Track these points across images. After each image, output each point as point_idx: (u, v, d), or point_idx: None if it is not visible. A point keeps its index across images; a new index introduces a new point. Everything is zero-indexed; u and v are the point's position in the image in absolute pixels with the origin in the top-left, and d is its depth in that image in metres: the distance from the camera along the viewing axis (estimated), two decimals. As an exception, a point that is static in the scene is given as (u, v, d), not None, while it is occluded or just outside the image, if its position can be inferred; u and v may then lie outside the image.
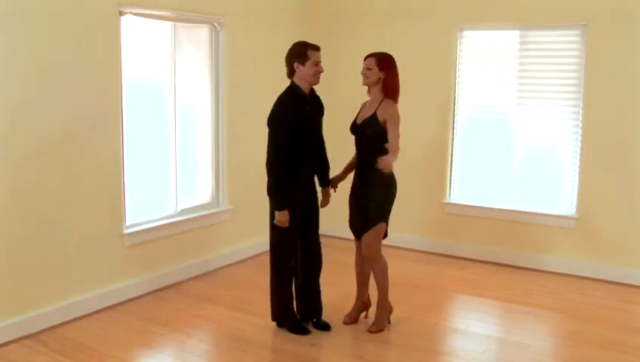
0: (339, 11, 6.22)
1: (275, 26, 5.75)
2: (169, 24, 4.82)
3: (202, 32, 5.17)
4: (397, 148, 3.80)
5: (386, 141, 3.82)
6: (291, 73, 3.85)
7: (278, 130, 3.78)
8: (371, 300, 4.19)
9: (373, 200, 3.91)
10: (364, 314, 4.21)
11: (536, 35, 5.35)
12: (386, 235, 4.01)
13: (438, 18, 5.68)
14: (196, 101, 5.20)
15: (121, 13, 4.34)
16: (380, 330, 4.03)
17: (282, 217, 3.81)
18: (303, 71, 3.80)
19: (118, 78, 4.38)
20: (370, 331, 4.03)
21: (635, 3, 4.86)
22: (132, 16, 4.42)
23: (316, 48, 3.84)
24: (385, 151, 3.80)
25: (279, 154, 3.78)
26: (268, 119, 3.83)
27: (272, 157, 3.80)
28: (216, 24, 5.17)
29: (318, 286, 4.13)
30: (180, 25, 4.90)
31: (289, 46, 3.89)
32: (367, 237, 3.94)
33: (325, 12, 6.29)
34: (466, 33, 5.65)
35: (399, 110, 3.89)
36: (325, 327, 4.09)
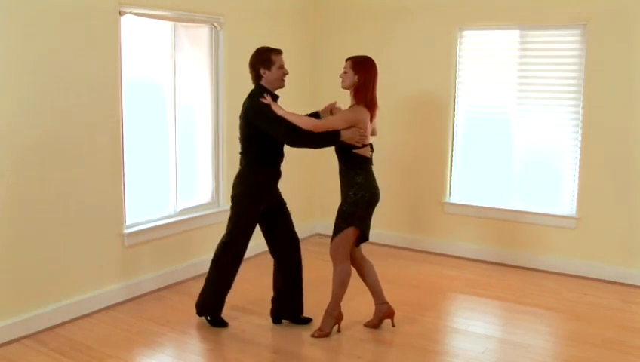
0: (339, 11, 6.22)
1: (275, 26, 5.75)
2: (169, 24, 4.82)
3: (202, 32, 5.17)
4: (323, 125, 3.74)
5: (346, 148, 3.78)
6: (258, 78, 3.91)
7: (273, 117, 3.78)
8: (393, 308, 4.10)
9: (341, 205, 3.90)
10: (390, 321, 4.09)
11: (536, 35, 5.35)
12: (365, 239, 3.94)
13: (438, 18, 5.67)
14: (196, 101, 5.20)
15: (121, 13, 4.34)
16: (322, 335, 3.95)
17: (348, 134, 3.74)
18: (269, 76, 3.87)
19: (118, 78, 4.38)
20: (312, 336, 3.96)
21: (635, 3, 4.86)
22: (132, 16, 4.42)
23: (279, 52, 3.92)
24: (347, 158, 3.81)
25: (293, 130, 3.77)
26: (253, 113, 3.83)
27: (291, 135, 3.78)
28: (216, 24, 5.17)
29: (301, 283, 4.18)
30: (180, 25, 4.90)
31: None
32: (334, 240, 3.90)
33: (325, 12, 6.29)
34: (466, 33, 5.65)
35: (374, 116, 3.81)
36: (307, 321, 4.17)
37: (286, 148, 3.97)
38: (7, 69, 3.70)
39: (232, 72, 5.34)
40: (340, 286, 3.91)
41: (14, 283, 3.86)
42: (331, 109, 4.05)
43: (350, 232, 3.84)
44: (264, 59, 3.86)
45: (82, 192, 4.20)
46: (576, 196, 5.25)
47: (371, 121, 3.85)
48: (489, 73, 5.59)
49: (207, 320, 4.16)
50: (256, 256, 5.70)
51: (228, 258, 4.06)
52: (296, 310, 4.17)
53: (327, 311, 3.97)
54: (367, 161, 3.87)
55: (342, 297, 3.94)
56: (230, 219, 4.05)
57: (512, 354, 3.81)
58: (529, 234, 5.45)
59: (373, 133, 3.96)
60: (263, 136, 3.87)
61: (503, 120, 5.55)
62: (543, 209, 5.41)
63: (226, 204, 5.42)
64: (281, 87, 3.95)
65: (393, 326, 4.10)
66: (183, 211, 5.08)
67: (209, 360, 3.75)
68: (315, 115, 4.11)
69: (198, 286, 4.89)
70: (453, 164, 5.81)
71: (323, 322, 3.98)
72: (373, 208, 3.91)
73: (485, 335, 4.08)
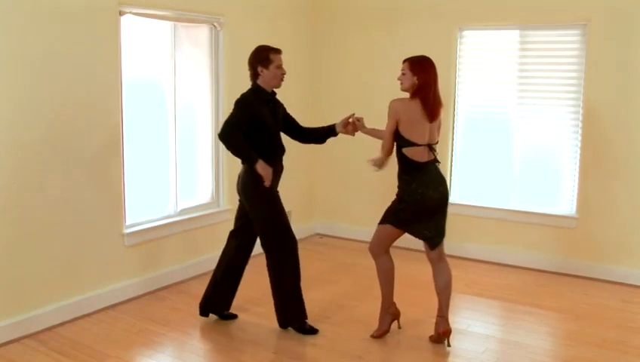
0: (339, 11, 6.22)
1: (275, 26, 5.75)
2: (169, 24, 4.82)
3: (202, 32, 5.17)
4: (384, 146, 3.73)
5: (400, 144, 3.73)
6: (255, 76, 3.91)
7: (240, 114, 3.82)
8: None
9: (394, 201, 3.86)
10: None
11: (536, 35, 5.35)
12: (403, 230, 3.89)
13: (438, 18, 5.68)
14: (196, 101, 5.20)
15: (121, 13, 4.34)
16: (380, 334, 3.97)
17: (263, 170, 3.77)
18: (267, 74, 3.87)
19: (118, 78, 4.39)
20: (372, 336, 3.97)
21: (635, 3, 4.86)
22: (132, 16, 4.43)
23: (278, 52, 3.91)
24: (399, 158, 3.77)
25: (232, 130, 3.79)
26: (236, 102, 3.87)
27: (226, 129, 3.80)
28: (216, 24, 5.17)
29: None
30: (179, 25, 4.90)
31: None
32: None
33: (325, 12, 6.29)
34: (466, 33, 5.65)
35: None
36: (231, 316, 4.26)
37: (288, 142, 3.99)
38: (6, 69, 3.70)
39: (232, 72, 5.34)
40: (382, 281, 3.93)
41: (14, 283, 3.86)
42: (354, 121, 4.07)
43: (386, 228, 3.85)
44: (262, 58, 3.87)
45: (82, 192, 4.20)
46: (576, 196, 5.25)
47: (433, 120, 3.69)
48: (489, 73, 5.59)
49: (296, 329, 4.04)
50: (256, 255, 5.70)
51: (285, 256, 3.96)
52: (226, 303, 4.23)
53: (382, 309, 3.99)
54: (417, 167, 3.70)
55: (388, 292, 3.94)
56: (260, 221, 3.95)
57: (512, 354, 3.81)
58: (529, 234, 5.45)
59: (431, 137, 3.76)
60: (258, 131, 3.84)
61: (503, 120, 5.55)
62: (543, 209, 5.41)
63: (226, 204, 5.45)
64: (278, 86, 3.95)
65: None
66: (183, 211, 5.08)
67: (209, 360, 3.75)
68: (332, 128, 4.14)
69: (198, 287, 4.90)
70: (453, 164, 5.81)
71: (380, 320, 4.00)
72: (423, 214, 3.75)
73: (485, 335, 4.08)
